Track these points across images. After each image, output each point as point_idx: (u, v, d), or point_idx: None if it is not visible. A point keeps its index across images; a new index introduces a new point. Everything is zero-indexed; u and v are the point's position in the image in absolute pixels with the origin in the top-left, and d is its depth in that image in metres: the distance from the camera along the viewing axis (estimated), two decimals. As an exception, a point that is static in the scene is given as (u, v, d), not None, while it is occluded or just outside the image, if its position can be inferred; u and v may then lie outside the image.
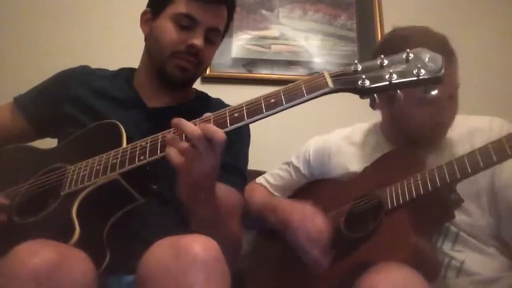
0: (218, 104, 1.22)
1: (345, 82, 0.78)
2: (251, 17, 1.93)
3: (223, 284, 0.75)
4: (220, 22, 1.12)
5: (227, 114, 0.84)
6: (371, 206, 1.06)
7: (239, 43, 1.89)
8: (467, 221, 1.05)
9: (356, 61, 0.79)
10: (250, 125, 1.21)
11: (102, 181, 0.87)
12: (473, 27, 1.99)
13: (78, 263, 0.75)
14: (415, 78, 0.75)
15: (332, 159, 1.26)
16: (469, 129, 1.15)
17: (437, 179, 0.94)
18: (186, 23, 1.07)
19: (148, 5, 1.17)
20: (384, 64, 0.77)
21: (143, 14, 1.16)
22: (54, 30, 1.82)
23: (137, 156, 0.87)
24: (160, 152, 0.86)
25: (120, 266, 0.89)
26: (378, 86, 0.76)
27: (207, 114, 0.86)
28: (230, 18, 1.16)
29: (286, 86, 0.82)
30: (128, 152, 0.88)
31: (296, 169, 1.32)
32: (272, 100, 0.81)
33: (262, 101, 0.82)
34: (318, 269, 1.03)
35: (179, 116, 1.13)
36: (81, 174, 0.90)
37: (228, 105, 1.20)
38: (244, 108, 0.83)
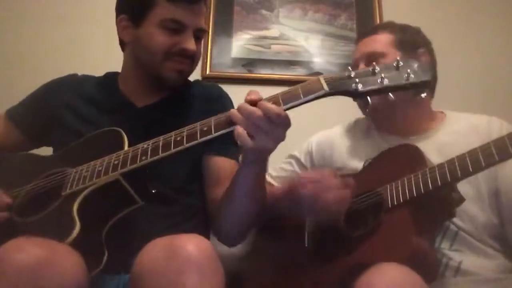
0: (197, 86, 1.23)
1: (339, 86, 0.83)
2: (251, 17, 1.93)
3: (217, 284, 0.75)
4: (204, 20, 1.14)
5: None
6: (371, 204, 1.05)
7: (239, 43, 1.89)
8: (466, 220, 1.05)
9: (349, 68, 0.84)
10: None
11: (103, 181, 0.88)
12: (473, 27, 1.99)
13: (67, 259, 0.75)
14: (404, 82, 0.80)
15: (333, 152, 1.29)
16: (466, 127, 1.15)
17: (438, 178, 0.93)
18: (173, 27, 1.07)
19: (123, 12, 1.13)
20: (376, 71, 0.82)
21: (120, 21, 1.14)
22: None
23: (139, 156, 0.88)
24: (161, 153, 0.87)
25: (119, 265, 0.89)
26: (371, 89, 0.81)
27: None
28: (206, 11, 1.17)
29: (283, 91, 0.86)
30: (130, 154, 0.90)
31: (298, 161, 1.34)
32: (271, 103, 0.84)
33: None
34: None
35: (167, 108, 1.15)
36: (82, 175, 0.92)
37: (207, 85, 1.25)
38: None
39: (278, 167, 1.36)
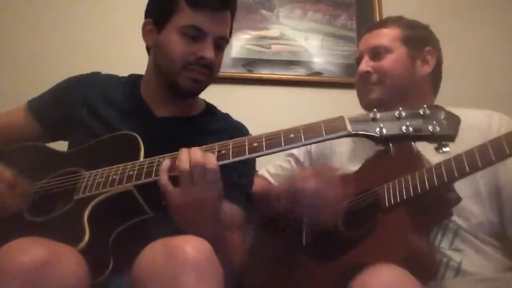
0: (224, 120, 1.22)
1: (363, 129, 0.82)
2: (251, 17, 1.93)
3: (215, 284, 0.75)
4: (227, 29, 1.12)
5: (246, 144, 0.87)
6: (368, 203, 1.05)
7: (239, 43, 1.89)
8: (464, 218, 1.05)
9: (375, 110, 0.83)
10: (250, 128, 1.21)
11: (116, 191, 0.89)
12: (472, 28, 1.99)
13: (69, 261, 0.75)
14: (429, 134, 0.79)
15: (332, 153, 1.29)
16: (466, 123, 1.13)
17: (435, 178, 0.93)
18: (193, 34, 1.06)
19: (148, 16, 1.14)
20: (402, 116, 0.81)
21: (145, 25, 1.14)
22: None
23: (154, 171, 0.89)
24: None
25: (126, 266, 0.89)
26: (394, 135, 0.80)
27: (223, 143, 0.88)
28: (233, 21, 1.16)
29: (305, 124, 0.86)
30: (146, 166, 0.90)
31: (297, 160, 1.34)
32: (291, 135, 0.85)
33: (282, 135, 0.86)
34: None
35: (186, 127, 1.15)
36: (96, 181, 0.92)
37: (235, 122, 1.23)
38: (264, 140, 0.86)
39: (278, 164, 1.37)
